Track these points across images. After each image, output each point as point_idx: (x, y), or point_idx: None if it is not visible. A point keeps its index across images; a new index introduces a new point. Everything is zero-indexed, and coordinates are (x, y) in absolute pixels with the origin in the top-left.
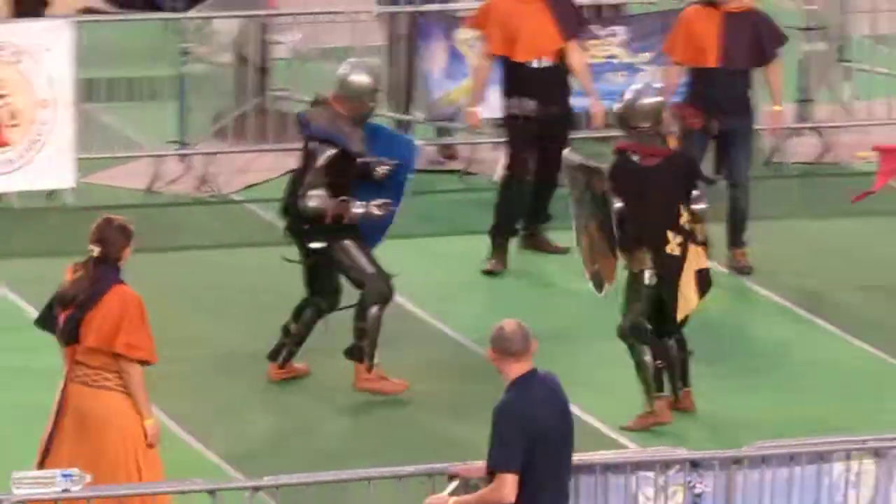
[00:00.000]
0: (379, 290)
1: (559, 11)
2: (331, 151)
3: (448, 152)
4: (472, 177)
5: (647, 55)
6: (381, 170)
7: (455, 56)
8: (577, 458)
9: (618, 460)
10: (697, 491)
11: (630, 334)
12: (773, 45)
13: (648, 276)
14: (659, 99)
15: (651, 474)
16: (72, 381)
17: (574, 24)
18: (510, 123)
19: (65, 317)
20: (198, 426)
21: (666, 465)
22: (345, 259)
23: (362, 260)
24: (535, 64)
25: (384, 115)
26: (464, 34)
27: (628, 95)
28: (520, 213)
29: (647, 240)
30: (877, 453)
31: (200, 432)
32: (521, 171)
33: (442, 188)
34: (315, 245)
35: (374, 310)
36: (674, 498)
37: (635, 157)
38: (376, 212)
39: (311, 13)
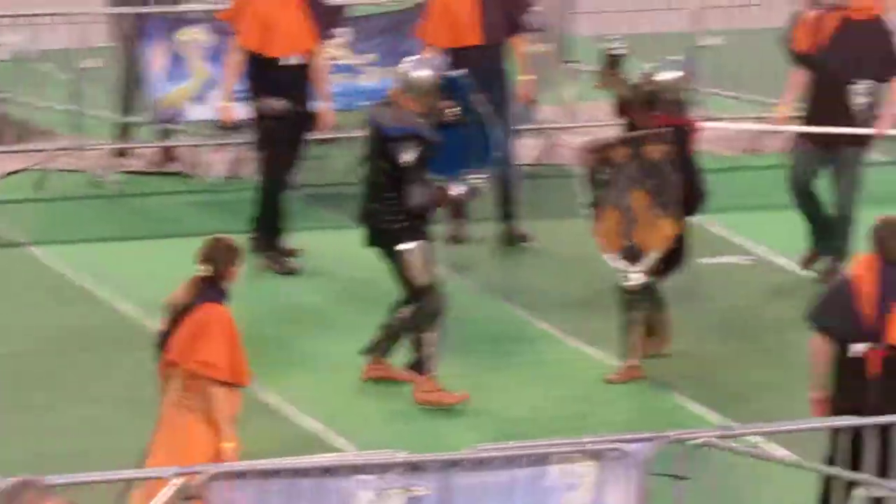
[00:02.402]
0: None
1: (315, 9)
2: (416, 146)
3: (169, 154)
4: (192, 179)
5: (370, 56)
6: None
7: (176, 58)
8: (295, 461)
9: (336, 463)
10: (416, 494)
11: (647, 289)
12: (523, 15)
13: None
14: (681, 73)
15: (370, 477)
16: (165, 395)
17: (330, 22)
18: (261, 124)
19: (159, 331)
20: None
21: (384, 468)
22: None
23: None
24: (291, 60)
25: (106, 118)
26: (185, 35)
27: (652, 74)
28: (282, 214)
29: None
30: (595, 456)
31: None
32: (281, 171)
33: (164, 190)
34: (404, 246)
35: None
36: (392, 501)
37: (686, 128)
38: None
39: (32, 14)
